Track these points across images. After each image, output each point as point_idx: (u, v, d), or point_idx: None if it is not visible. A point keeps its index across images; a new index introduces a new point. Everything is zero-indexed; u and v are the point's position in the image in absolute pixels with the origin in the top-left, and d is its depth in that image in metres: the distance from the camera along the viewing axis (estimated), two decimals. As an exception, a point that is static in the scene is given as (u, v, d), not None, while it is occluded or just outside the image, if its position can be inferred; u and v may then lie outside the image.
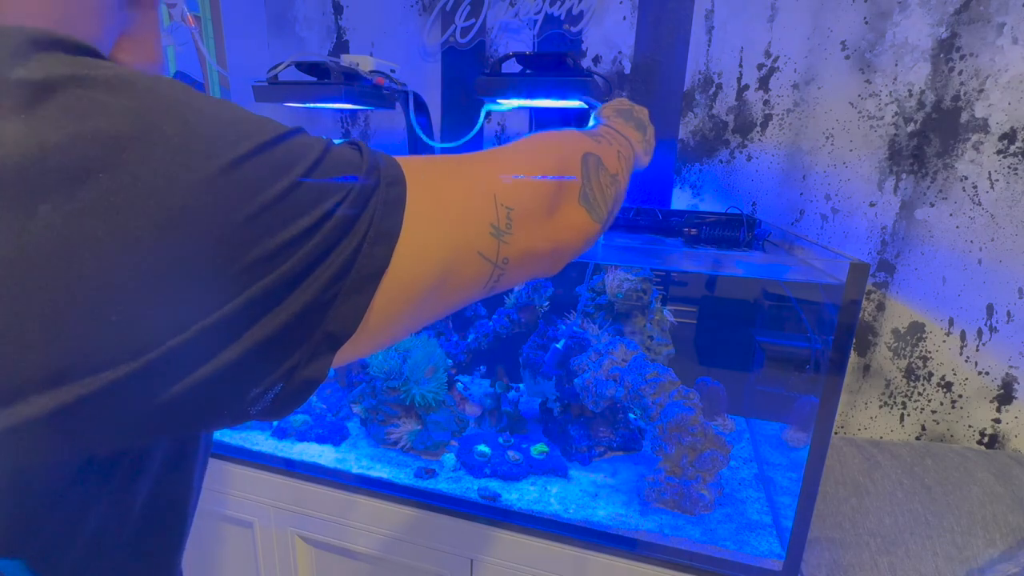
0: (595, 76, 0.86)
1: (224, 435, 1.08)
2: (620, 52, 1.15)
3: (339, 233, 0.24)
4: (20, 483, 0.20)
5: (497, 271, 0.33)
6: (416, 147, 1.14)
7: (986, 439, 1.11)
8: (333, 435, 1.08)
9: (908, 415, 1.14)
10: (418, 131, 1.06)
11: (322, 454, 1.04)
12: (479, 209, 0.32)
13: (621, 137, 0.54)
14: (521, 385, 1.19)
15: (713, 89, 1.11)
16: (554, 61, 0.88)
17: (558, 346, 1.07)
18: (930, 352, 1.10)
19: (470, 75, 1.25)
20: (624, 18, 1.13)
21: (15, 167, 0.18)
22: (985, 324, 1.05)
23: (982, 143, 0.98)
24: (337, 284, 0.24)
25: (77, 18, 0.26)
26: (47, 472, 0.21)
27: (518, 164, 0.37)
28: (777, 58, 1.06)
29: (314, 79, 0.95)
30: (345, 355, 0.27)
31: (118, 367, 0.20)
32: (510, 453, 1.00)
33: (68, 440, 0.20)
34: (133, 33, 0.30)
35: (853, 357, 1.14)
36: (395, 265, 0.26)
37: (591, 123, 0.62)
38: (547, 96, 0.87)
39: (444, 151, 1.30)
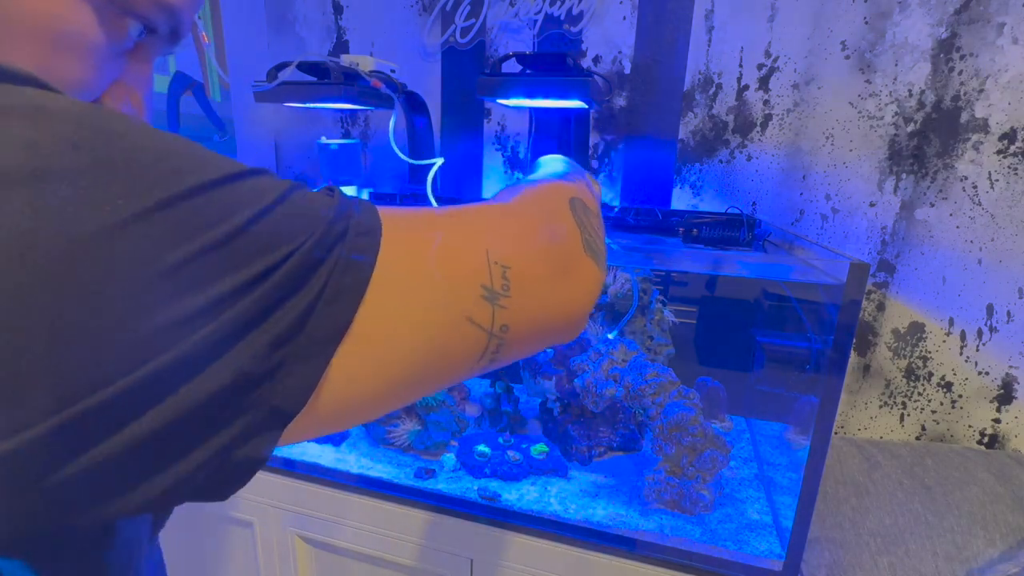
0: (595, 76, 0.86)
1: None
2: (620, 52, 1.15)
3: (288, 289, 0.21)
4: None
5: (494, 341, 0.29)
6: (417, 148, 1.14)
7: (986, 439, 1.11)
8: (333, 435, 1.08)
9: (908, 415, 1.14)
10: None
11: (322, 454, 1.04)
12: (467, 266, 0.28)
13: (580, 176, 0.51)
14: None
15: (713, 89, 1.11)
16: (554, 61, 0.88)
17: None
18: (930, 352, 1.10)
19: (470, 75, 1.25)
20: (624, 18, 1.13)
21: None
22: (985, 324, 1.05)
23: (982, 143, 0.98)
24: (280, 349, 0.21)
25: (68, 61, 0.25)
26: None
27: (512, 217, 0.33)
28: (777, 58, 1.06)
29: (314, 79, 0.95)
30: (300, 432, 0.24)
31: (25, 431, 0.17)
32: (510, 453, 1.00)
33: None
34: (126, 80, 0.30)
35: (853, 357, 1.14)
36: (361, 329, 0.23)
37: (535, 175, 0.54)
38: (547, 96, 0.87)
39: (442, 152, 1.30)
